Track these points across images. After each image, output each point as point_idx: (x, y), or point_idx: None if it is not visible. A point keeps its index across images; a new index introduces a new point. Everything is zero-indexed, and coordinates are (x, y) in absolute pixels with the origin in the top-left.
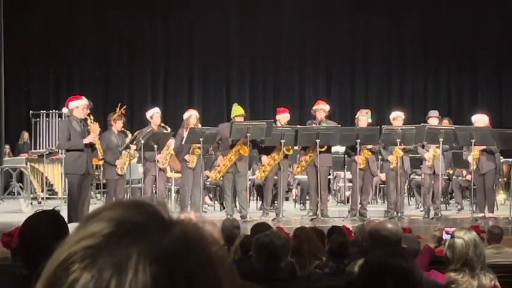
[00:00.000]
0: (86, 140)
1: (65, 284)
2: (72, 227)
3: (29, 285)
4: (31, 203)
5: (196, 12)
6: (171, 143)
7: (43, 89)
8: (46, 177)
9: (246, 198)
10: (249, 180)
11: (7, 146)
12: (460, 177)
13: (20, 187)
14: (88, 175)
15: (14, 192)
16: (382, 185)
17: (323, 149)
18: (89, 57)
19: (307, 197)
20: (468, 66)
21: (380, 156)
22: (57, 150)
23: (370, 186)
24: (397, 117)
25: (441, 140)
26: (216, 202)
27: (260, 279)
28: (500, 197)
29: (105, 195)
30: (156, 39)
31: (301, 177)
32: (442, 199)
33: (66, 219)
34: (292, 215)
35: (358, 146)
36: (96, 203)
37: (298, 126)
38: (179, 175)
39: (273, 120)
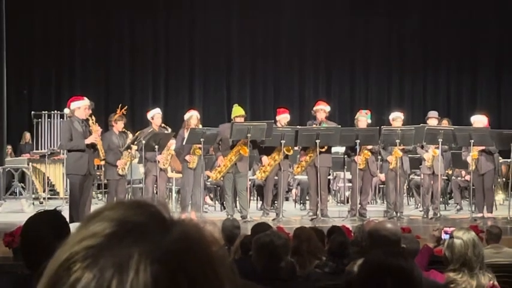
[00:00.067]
0: (88, 141)
1: (66, 284)
2: (73, 227)
3: (31, 284)
4: (33, 203)
5: (197, 12)
6: (172, 143)
7: (45, 90)
8: (48, 178)
9: (246, 198)
10: (250, 180)
11: (9, 147)
12: (459, 178)
13: (22, 187)
14: (89, 175)
15: (16, 193)
16: (382, 185)
17: (323, 150)
18: (90, 57)
19: (307, 197)
20: (468, 66)
21: (379, 157)
22: (58, 150)
23: (370, 187)
24: (397, 118)
25: (440, 140)
26: (216, 202)
27: (260, 278)
28: (499, 197)
29: (106, 195)
30: (156, 40)
31: (301, 177)
32: (441, 199)
33: (67, 219)
34: (292, 215)
35: (357, 147)
36: (97, 203)
37: (298, 126)
38: (180, 175)
39: (273, 121)
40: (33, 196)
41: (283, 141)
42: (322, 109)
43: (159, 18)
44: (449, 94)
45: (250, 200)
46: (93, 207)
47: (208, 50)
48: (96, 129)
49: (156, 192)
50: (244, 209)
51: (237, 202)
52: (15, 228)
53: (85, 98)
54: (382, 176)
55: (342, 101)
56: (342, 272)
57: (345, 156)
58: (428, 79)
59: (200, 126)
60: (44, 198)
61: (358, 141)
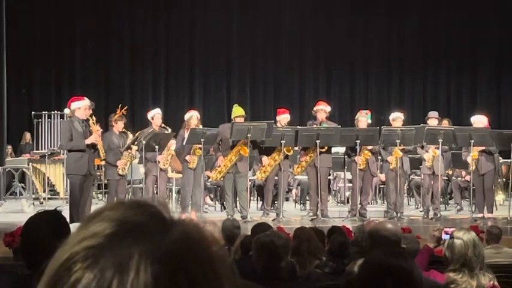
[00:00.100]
0: (88, 141)
1: (67, 284)
2: (73, 227)
3: (31, 284)
4: (33, 203)
5: (197, 12)
6: (172, 143)
7: (45, 90)
8: (48, 178)
9: (246, 198)
10: (250, 180)
11: (9, 147)
12: (459, 178)
13: (22, 187)
14: (90, 175)
15: (16, 193)
16: (382, 186)
17: (323, 150)
18: (90, 57)
19: (307, 198)
20: (468, 66)
21: (380, 157)
22: (59, 150)
23: (370, 187)
24: (397, 118)
25: (440, 140)
26: (216, 202)
27: (260, 279)
28: (499, 197)
29: (106, 195)
30: (156, 40)
31: (302, 177)
32: (441, 199)
33: (67, 220)
34: (293, 215)
35: (358, 147)
36: (97, 203)
37: (298, 127)
38: (180, 175)
39: (273, 121)
40: (34, 196)
41: (283, 142)
42: (322, 109)
43: (159, 18)
44: (449, 94)
45: (250, 200)
46: (94, 208)
47: (208, 50)
48: (97, 129)
49: (156, 193)
50: (244, 209)
51: (237, 202)
52: (16, 228)
53: (85, 98)
54: (383, 176)
55: (342, 101)
56: (342, 272)
57: (345, 156)
58: (428, 79)
59: (200, 126)
60: (44, 199)
61: (358, 141)
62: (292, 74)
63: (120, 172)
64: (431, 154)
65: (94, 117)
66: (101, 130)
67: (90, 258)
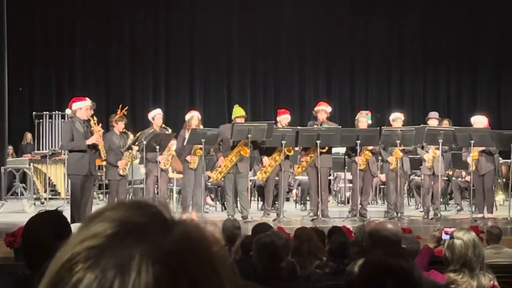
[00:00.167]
0: (89, 141)
1: (68, 284)
2: (74, 227)
3: (32, 285)
4: (34, 204)
5: (197, 12)
6: (173, 144)
7: (46, 90)
8: (49, 178)
9: (247, 198)
10: (250, 181)
11: (10, 147)
12: (459, 178)
13: (23, 188)
14: (91, 176)
15: (17, 193)
16: (382, 186)
17: (324, 150)
18: (90, 57)
19: (308, 198)
20: (468, 66)
21: (380, 157)
22: (60, 151)
23: (370, 187)
24: (397, 119)
25: (440, 141)
26: (217, 202)
27: (261, 279)
28: (499, 197)
29: (107, 195)
30: (156, 40)
31: (302, 177)
32: (441, 200)
33: (68, 220)
34: (293, 215)
35: (358, 147)
36: (98, 203)
37: (298, 127)
38: (181, 176)
39: (273, 122)
40: (35, 196)
41: (283, 142)
42: (323, 110)
43: (159, 18)
44: (449, 94)
45: (250, 200)
46: (94, 208)
47: (208, 50)
48: (98, 129)
49: (157, 193)
50: (245, 209)
51: (238, 202)
52: (17, 228)
53: (87, 98)
54: (383, 177)
55: (342, 101)
56: (343, 272)
57: (346, 156)
58: (428, 79)
59: (201, 126)
60: (45, 199)
61: (358, 141)
62: (293, 74)
63: (121, 172)
64: (432, 154)
65: (95, 118)
66: (102, 130)
67: (91, 259)
